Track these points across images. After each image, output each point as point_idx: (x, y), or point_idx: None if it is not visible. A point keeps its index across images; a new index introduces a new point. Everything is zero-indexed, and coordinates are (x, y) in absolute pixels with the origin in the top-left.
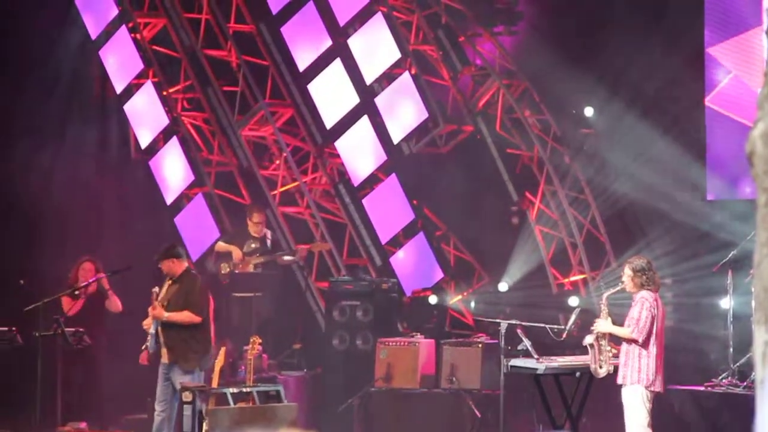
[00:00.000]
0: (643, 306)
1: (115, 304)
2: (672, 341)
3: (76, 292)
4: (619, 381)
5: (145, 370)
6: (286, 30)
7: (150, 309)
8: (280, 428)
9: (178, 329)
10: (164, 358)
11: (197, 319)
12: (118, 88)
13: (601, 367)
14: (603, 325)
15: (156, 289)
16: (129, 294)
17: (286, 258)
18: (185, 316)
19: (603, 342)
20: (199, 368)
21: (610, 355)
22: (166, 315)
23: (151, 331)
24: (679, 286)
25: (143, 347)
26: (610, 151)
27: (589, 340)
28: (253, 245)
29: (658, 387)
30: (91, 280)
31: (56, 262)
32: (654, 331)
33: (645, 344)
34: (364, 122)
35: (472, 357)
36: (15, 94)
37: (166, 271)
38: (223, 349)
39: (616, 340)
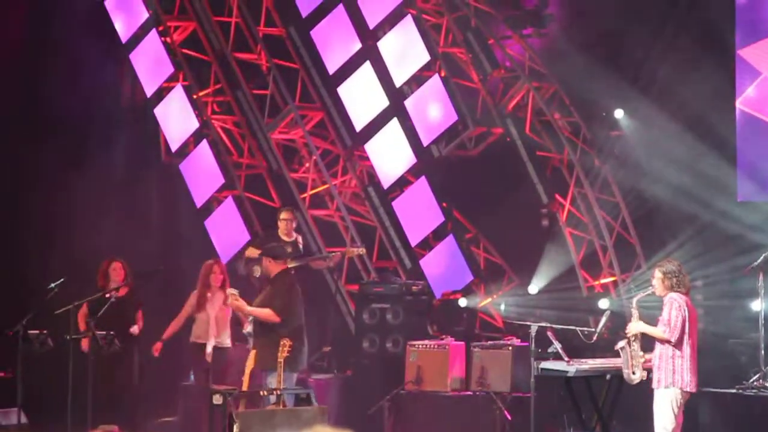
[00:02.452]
0: (672, 306)
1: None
2: (702, 344)
3: (107, 295)
4: (654, 385)
5: (175, 372)
6: (315, 33)
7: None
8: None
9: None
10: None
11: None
12: (149, 91)
13: (634, 373)
14: (636, 325)
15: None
16: (161, 295)
17: (319, 262)
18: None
19: (635, 345)
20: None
21: (642, 360)
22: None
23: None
24: (709, 289)
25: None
26: (640, 153)
27: (621, 344)
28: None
29: (692, 388)
30: (116, 286)
31: (85, 265)
32: (686, 331)
33: (678, 345)
34: (394, 125)
35: (503, 360)
36: (40, 89)
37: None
38: (252, 352)
39: (647, 347)
